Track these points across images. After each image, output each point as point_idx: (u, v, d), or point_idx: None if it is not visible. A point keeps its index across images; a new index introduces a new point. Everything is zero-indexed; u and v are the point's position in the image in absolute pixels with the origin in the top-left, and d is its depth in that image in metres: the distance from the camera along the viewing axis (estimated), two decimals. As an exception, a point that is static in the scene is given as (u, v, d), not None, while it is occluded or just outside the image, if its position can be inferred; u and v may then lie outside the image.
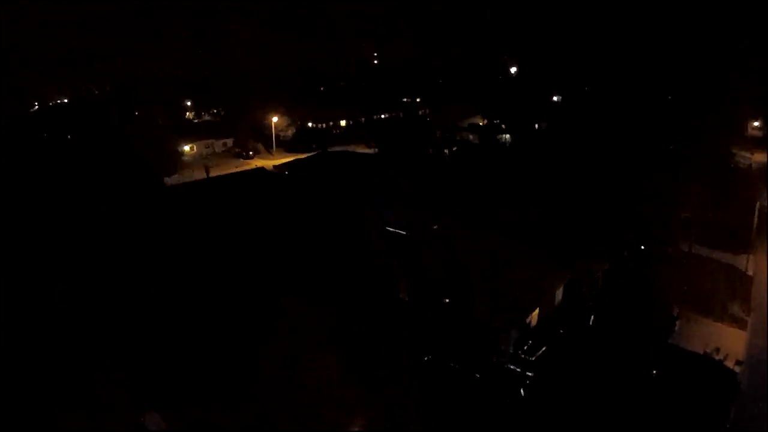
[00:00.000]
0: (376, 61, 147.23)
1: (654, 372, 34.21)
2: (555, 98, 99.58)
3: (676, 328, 39.00)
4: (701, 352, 35.75)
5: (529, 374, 33.92)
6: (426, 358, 34.17)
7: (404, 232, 48.43)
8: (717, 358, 35.16)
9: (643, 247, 48.02)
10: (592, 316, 39.96)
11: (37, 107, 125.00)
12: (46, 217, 48.15)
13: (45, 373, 27.86)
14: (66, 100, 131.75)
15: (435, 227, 49.32)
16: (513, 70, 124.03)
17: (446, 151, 74.63)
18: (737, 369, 34.60)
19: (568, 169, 61.41)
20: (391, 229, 48.87)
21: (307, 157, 77.20)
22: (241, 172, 74.88)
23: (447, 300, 38.05)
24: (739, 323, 39.60)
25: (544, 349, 36.12)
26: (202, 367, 28.88)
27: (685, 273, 44.60)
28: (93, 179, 67.81)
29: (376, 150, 77.54)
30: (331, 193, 56.36)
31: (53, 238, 42.25)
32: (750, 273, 45.48)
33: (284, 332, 29.97)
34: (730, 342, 37.44)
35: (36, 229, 44.22)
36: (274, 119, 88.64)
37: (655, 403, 31.30)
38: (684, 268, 45.19)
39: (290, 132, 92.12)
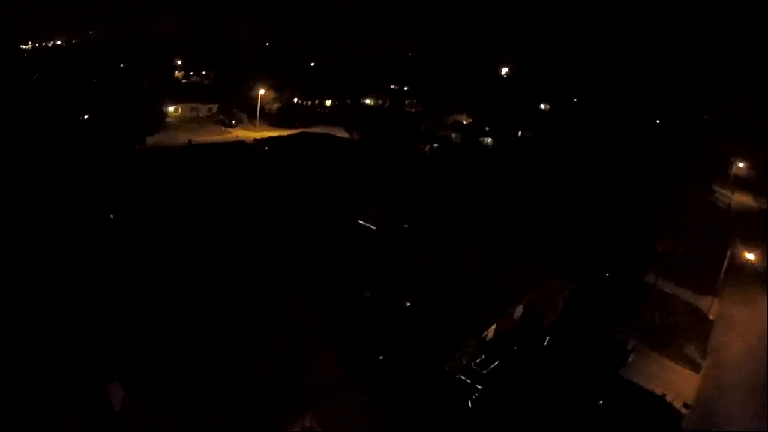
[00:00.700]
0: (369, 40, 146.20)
1: (600, 402, 34.07)
2: (543, 106, 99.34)
3: (630, 360, 38.72)
4: (650, 389, 35.52)
5: (479, 387, 33.62)
6: (380, 358, 33.60)
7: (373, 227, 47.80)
8: (665, 396, 34.97)
9: (607, 274, 47.73)
10: (548, 337, 39.66)
11: (30, 46, 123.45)
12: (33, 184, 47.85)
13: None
14: (60, 43, 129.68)
15: (405, 226, 48.69)
16: (504, 71, 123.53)
17: (427, 147, 73.85)
18: (683, 411, 34.48)
19: (545, 183, 61.16)
20: (362, 222, 48.14)
21: (288, 135, 76.25)
22: (223, 143, 74.02)
23: (408, 303, 37.48)
24: (692, 365, 39.29)
25: (496, 363, 35.79)
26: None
27: (648, 307, 44.44)
28: (74, 137, 66.94)
29: (358, 138, 76.11)
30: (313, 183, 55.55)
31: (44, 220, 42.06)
32: (711, 317, 45.24)
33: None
34: (681, 383, 37.27)
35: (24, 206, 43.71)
36: (261, 92, 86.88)
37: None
38: (647, 301, 44.91)
39: (275, 106, 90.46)
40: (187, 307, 33.27)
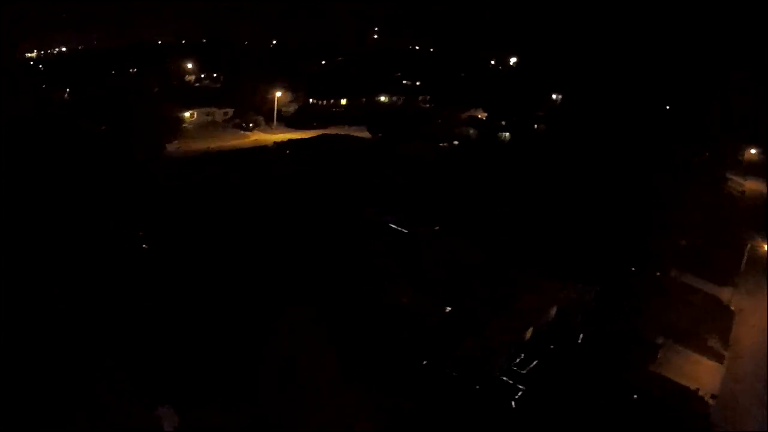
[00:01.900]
0: (375, 36, 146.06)
1: (634, 396, 36.12)
2: (554, 97, 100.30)
3: (659, 356, 40.72)
4: (681, 383, 37.55)
5: (521, 387, 35.57)
6: (424, 363, 35.53)
7: (405, 230, 49.53)
8: (694, 389, 37.01)
9: (634, 270, 49.41)
10: (581, 335, 41.57)
11: (35, 54, 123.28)
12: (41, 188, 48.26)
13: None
14: (64, 49, 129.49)
15: (436, 228, 50.36)
16: (513, 60, 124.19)
17: (446, 144, 75.18)
18: (711, 403, 36.53)
19: (564, 178, 62.33)
20: (393, 226, 49.84)
21: (309, 138, 77.28)
22: (244, 149, 74.89)
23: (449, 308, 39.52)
24: (716, 357, 41.13)
25: (535, 363, 37.78)
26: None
27: (672, 301, 46.12)
28: (89, 144, 67.62)
29: (377, 137, 77.59)
30: (332, 186, 57.22)
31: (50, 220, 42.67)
32: (732, 308, 47.23)
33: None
34: (706, 375, 39.13)
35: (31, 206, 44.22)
36: (278, 94, 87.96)
37: (632, 426, 33.11)
38: (671, 296, 46.67)
39: (292, 108, 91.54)
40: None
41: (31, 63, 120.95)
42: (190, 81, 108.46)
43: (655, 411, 34.21)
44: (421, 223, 50.06)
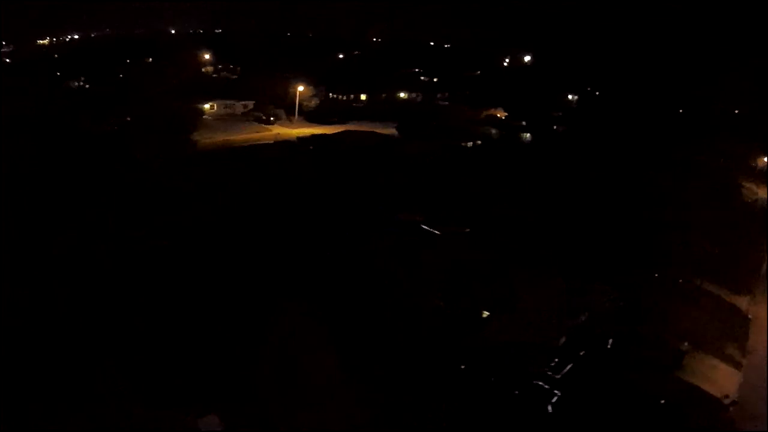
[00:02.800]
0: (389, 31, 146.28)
1: (662, 401, 37.93)
2: (570, 97, 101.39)
3: (684, 361, 42.46)
4: (706, 389, 39.31)
5: (557, 392, 37.28)
6: (462, 368, 37.05)
7: (437, 232, 50.81)
8: (720, 396, 38.80)
9: (657, 275, 50.89)
10: (611, 340, 43.21)
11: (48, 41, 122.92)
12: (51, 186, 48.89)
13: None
14: (77, 37, 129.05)
15: (467, 230, 51.58)
16: (527, 59, 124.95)
17: (469, 144, 76.25)
18: (731, 409, 38.25)
19: (586, 180, 63.48)
20: (425, 227, 51.04)
21: (333, 134, 78.04)
22: (268, 144, 75.47)
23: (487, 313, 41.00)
24: (735, 364, 42.26)
25: (570, 366, 39.45)
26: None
27: (692, 308, 47.04)
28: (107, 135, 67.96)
29: (399, 135, 78.69)
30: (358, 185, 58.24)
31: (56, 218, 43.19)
32: (750, 316, 48.81)
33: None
34: (726, 381, 40.47)
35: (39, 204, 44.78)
36: (300, 88, 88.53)
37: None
38: (692, 303, 48.25)
39: (314, 103, 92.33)
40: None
41: (44, 50, 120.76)
42: (207, 72, 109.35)
43: (683, 418, 35.38)
44: (452, 224, 51.35)
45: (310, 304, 34.71)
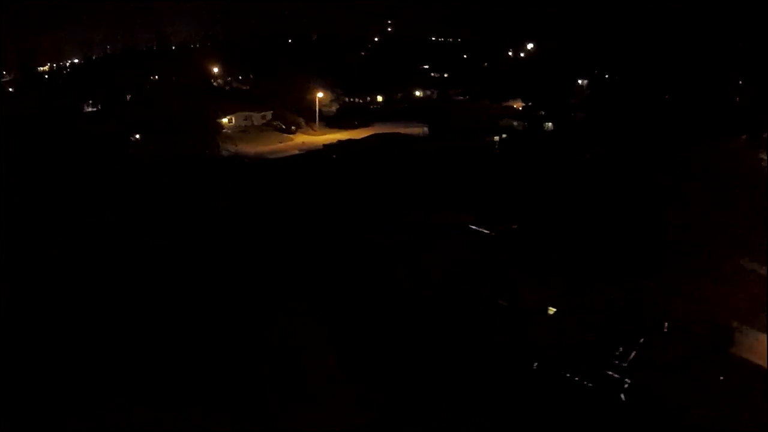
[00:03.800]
0: (390, 29, 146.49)
1: (721, 378, 38.87)
2: (580, 82, 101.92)
3: (735, 337, 43.42)
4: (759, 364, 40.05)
5: (627, 380, 38.33)
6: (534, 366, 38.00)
7: (487, 231, 51.41)
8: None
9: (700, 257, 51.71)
10: (666, 323, 44.27)
11: (49, 67, 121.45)
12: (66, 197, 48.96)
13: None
14: (77, 61, 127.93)
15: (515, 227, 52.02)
16: (529, 46, 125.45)
17: (496, 138, 76.26)
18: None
19: (619, 166, 63.53)
20: (473, 227, 51.62)
21: (362, 139, 77.58)
22: (297, 155, 75.21)
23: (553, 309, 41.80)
24: None
25: (634, 354, 40.43)
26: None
27: (734, 285, 45.17)
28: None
29: (427, 134, 79.16)
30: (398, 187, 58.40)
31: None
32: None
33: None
34: None
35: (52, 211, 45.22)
36: (319, 94, 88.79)
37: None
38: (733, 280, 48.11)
39: (334, 108, 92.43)
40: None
41: (46, 76, 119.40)
42: (220, 85, 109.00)
43: (739, 391, 34.94)
44: (500, 223, 51.90)
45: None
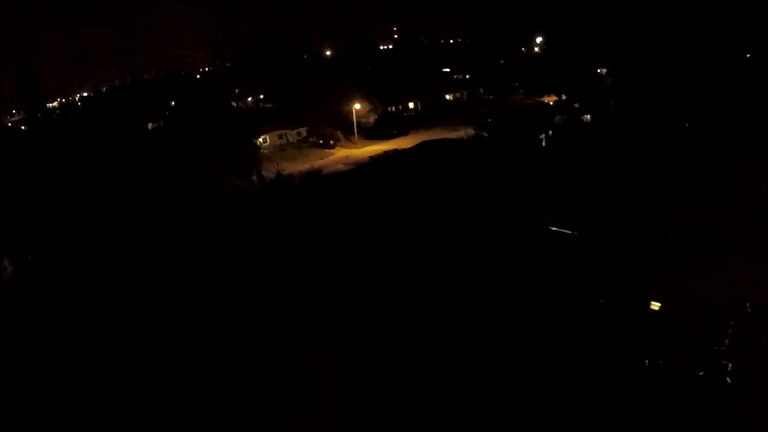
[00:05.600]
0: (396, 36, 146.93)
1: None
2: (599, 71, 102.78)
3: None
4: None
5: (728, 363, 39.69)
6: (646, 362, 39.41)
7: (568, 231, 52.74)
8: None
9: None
10: (748, 303, 45.71)
11: (58, 102, 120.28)
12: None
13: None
14: (86, 94, 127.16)
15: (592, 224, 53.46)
16: (539, 40, 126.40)
17: (542, 136, 76.18)
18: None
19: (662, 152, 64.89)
20: (554, 228, 52.96)
21: (410, 148, 75.88)
22: (349, 170, 72.55)
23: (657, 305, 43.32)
24: None
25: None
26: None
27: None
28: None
29: (472, 137, 78.96)
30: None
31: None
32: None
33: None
34: None
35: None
36: (357, 106, 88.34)
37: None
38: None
39: (372, 118, 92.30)
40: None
41: (57, 113, 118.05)
42: (244, 107, 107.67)
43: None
44: (577, 222, 53.23)
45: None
